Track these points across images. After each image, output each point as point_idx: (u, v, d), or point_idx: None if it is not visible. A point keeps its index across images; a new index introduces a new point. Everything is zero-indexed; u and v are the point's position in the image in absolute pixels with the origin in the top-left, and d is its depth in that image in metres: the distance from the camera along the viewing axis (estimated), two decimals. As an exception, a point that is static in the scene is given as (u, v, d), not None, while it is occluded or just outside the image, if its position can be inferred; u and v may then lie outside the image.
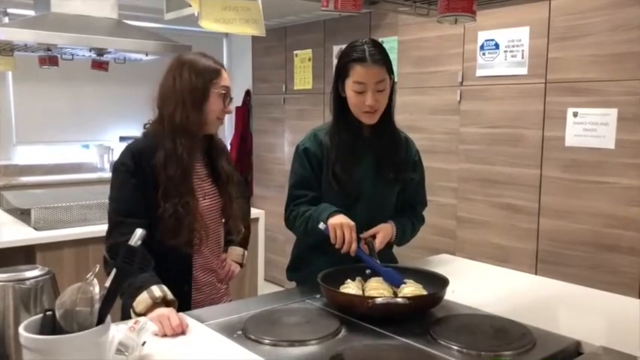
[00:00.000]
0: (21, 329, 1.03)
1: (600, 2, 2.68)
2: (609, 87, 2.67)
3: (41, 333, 1.05)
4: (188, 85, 1.66)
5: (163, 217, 1.63)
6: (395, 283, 1.61)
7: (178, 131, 1.66)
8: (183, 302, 1.60)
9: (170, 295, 1.49)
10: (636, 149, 2.59)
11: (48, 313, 1.07)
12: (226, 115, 1.77)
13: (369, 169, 1.85)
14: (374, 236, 1.81)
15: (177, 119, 1.66)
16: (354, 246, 1.64)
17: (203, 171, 1.78)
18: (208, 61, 1.72)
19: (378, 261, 1.74)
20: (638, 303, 1.72)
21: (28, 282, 1.19)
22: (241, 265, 2.00)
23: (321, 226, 1.67)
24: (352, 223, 1.67)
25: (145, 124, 1.76)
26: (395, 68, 1.81)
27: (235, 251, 1.99)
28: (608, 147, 2.68)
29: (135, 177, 1.63)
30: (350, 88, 1.75)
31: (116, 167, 1.66)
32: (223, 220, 1.85)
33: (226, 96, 1.72)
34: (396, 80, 1.81)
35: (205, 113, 1.69)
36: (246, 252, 2.03)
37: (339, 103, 1.81)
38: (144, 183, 1.63)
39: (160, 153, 1.65)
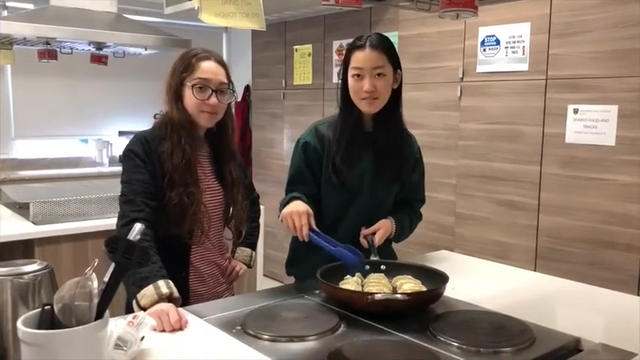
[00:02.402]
0: (19, 324, 1.03)
1: (601, -2, 2.68)
2: (610, 84, 2.67)
3: (39, 327, 1.04)
4: (166, 83, 1.72)
5: (168, 205, 1.65)
6: (353, 263, 1.61)
7: (176, 126, 1.69)
8: (180, 289, 1.60)
9: (176, 293, 1.49)
10: (636, 146, 2.59)
11: (46, 307, 1.06)
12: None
13: (368, 165, 1.84)
14: (374, 233, 1.81)
15: (170, 115, 1.71)
16: (304, 230, 1.63)
17: (208, 166, 1.79)
18: (187, 56, 1.72)
19: (377, 257, 1.74)
20: (637, 300, 1.73)
21: (26, 276, 1.19)
22: (249, 265, 2.02)
23: (280, 217, 1.68)
24: (303, 208, 1.65)
25: (155, 115, 1.78)
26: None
27: (243, 252, 2.01)
28: (608, 144, 2.68)
29: (144, 162, 1.66)
30: (350, 75, 1.76)
31: (125, 154, 1.69)
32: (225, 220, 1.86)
33: (204, 88, 1.69)
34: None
35: (187, 109, 1.70)
36: (254, 253, 2.05)
37: (345, 95, 1.81)
38: (152, 169, 1.66)
39: (168, 142, 1.68)
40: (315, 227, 1.67)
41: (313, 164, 1.84)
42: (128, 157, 1.67)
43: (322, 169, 1.84)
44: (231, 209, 1.83)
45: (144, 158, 1.65)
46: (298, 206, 1.66)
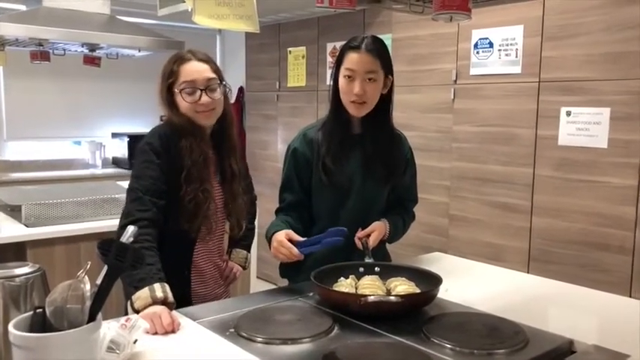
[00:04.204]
0: (10, 327, 1.02)
1: (594, 1, 2.69)
2: (602, 86, 2.68)
3: (31, 331, 1.04)
4: (157, 91, 1.73)
5: (183, 200, 1.65)
6: (337, 239, 1.63)
7: (183, 128, 1.69)
8: (183, 289, 1.59)
9: (171, 298, 1.49)
10: (628, 149, 2.60)
11: (38, 310, 1.06)
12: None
13: (357, 167, 1.84)
14: (368, 235, 1.81)
15: (171, 121, 1.72)
16: (295, 252, 1.66)
17: (212, 166, 1.80)
18: (170, 62, 1.72)
19: (371, 259, 1.74)
20: (629, 302, 1.74)
21: (17, 279, 1.18)
22: (244, 267, 2.03)
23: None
24: (280, 237, 1.68)
25: (162, 117, 1.79)
26: (389, 66, 1.81)
27: (239, 254, 2.02)
28: (600, 146, 2.69)
29: (160, 158, 1.65)
30: (341, 75, 1.76)
31: (142, 147, 1.68)
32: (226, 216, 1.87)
33: (192, 91, 1.69)
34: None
35: (183, 112, 1.70)
36: (249, 255, 2.06)
37: (336, 95, 1.81)
38: (167, 165, 1.65)
39: (189, 138, 1.68)
40: (299, 239, 1.69)
41: (302, 170, 1.86)
42: (144, 150, 1.67)
43: (312, 173, 1.84)
44: (230, 205, 1.83)
45: (160, 152, 1.65)
46: (277, 237, 1.70)
